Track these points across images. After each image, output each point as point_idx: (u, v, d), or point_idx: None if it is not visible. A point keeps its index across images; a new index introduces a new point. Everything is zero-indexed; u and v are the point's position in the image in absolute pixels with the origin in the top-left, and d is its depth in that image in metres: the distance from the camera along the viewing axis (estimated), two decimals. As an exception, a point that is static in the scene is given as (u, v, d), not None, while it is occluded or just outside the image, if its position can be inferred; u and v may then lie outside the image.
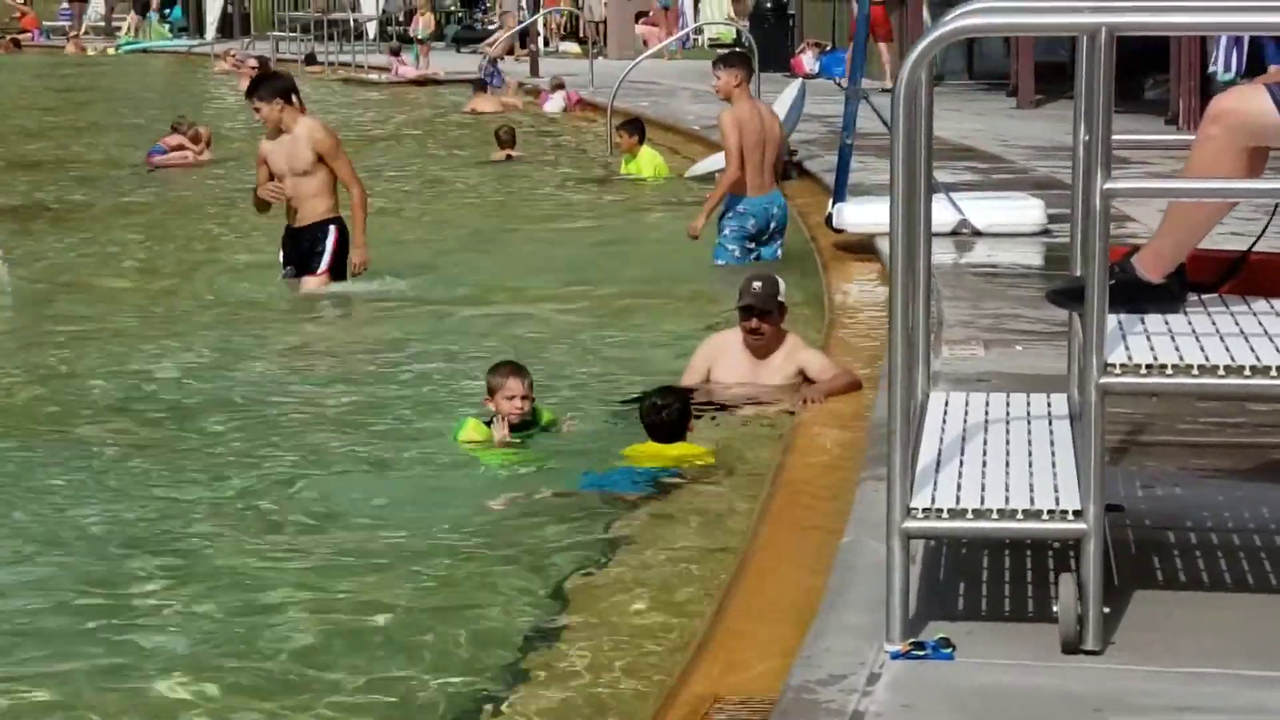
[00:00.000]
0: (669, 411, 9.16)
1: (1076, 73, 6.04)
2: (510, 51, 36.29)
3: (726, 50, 24.12)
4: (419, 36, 41.58)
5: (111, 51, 47.45)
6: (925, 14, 29.44)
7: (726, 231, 14.90)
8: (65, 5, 56.11)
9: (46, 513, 8.62)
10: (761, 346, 10.06)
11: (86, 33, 51.85)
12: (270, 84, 14.19)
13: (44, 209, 19.92)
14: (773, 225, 15.05)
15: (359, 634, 6.90)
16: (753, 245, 14.94)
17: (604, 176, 21.55)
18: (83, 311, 13.68)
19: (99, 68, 43.36)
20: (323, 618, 7.08)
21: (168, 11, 53.45)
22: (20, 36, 52.11)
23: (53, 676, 6.53)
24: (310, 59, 41.12)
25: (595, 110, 28.15)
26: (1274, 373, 5.10)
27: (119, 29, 52.21)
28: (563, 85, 30.58)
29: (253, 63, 37.29)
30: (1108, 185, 5.03)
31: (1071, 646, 5.13)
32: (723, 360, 10.13)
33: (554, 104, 30.39)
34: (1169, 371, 5.13)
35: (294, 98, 13.94)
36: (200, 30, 50.48)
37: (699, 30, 38.83)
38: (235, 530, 8.31)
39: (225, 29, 48.83)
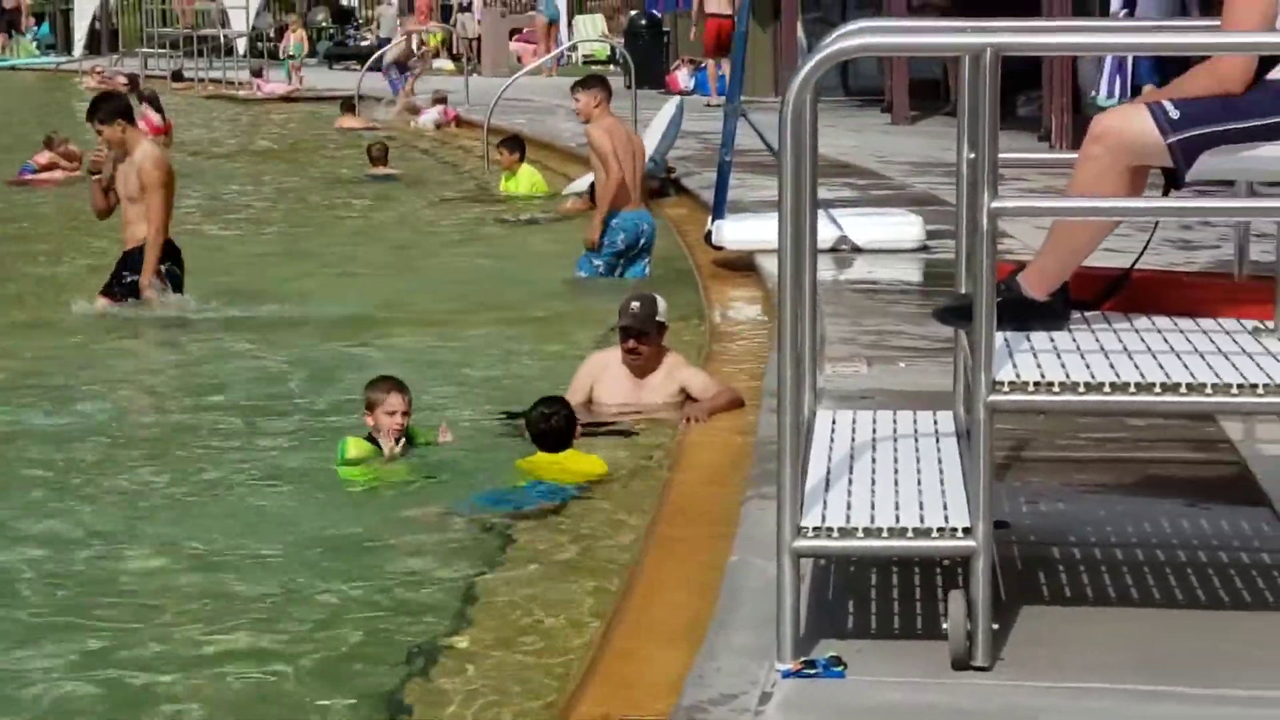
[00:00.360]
0: (556, 419, 9.20)
1: (959, 92, 6.11)
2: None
3: (594, 71, 24.26)
4: (290, 53, 41.43)
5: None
6: (800, 33, 29.58)
7: (615, 246, 15.00)
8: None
9: None
10: (641, 366, 10.09)
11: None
12: (109, 105, 14.19)
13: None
14: (641, 242, 15.18)
15: (237, 668, 6.85)
16: (618, 262, 15.01)
17: (481, 194, 21.49)
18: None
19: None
20: (191, 655, 7.01)
21: (37, 28, 53.00)
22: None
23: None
24: (177, 75, 40.91)
25: (471, 128, 28.08)
26: (1157, 389, 5.18)
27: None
28: (444, 100, 30.53)
29: (121, 79, 37.12)
30: (995, 204, 5.08)
31: (961, 663, 5.17)
32: (604, 379, 10.16)
33: (429, 117, 30.33)
34: (1056, 389, 5.19)
35: (135, 117, 14.23)
36: (69, 47, 50.08)
37: (574, 48, 38.81)
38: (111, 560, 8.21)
39: (93, 45, 48.47)
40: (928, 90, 26.14)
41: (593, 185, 19.44)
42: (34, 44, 51.86)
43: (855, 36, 5.30)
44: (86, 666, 6.85)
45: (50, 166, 23.29)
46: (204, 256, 15.18)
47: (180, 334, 13.56)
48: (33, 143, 24.78)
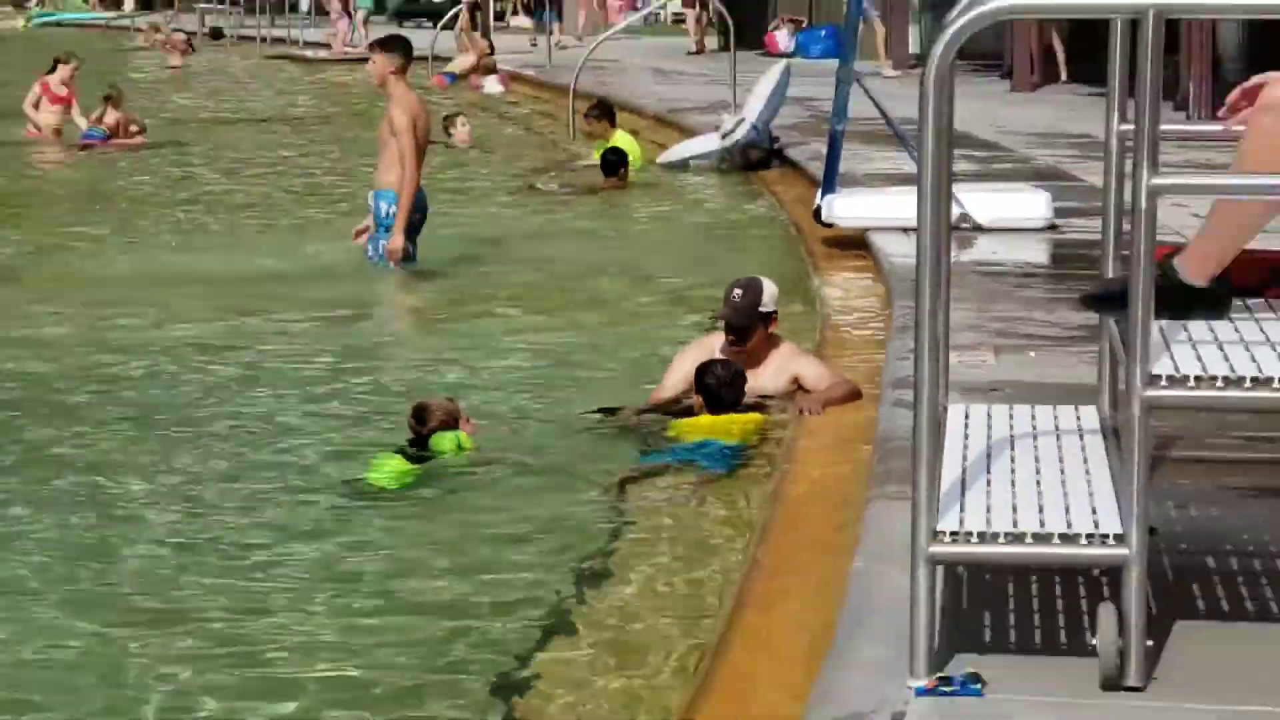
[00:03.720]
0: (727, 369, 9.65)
1: (1110, 59, 6.04)
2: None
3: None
4: (359, 7, 41.53)
5: (21, 25, 47.29)
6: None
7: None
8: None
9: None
10: (747, 357, 9.98)
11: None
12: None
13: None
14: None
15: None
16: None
17: (569, 163, 21.47)
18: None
19: (6, 43, 43.17)
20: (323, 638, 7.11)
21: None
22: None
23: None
24: (216, 33, 41.07)
25: (545, 89, 28.11)
26: (1334, 386, 5.12)
27: (27, 4, 52.10)
28: (494, 69, 30.66)
29: (180, 37, 37.34)
30: (1155, 180, 5.03)
31: (1112, 682, 5.13)
32: (694, 374, 10.02)
33: (491, 86, 30.47)
34: (1220, 384, 5.13)
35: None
36: (118, 2, 50.40)
37: (663, 4, 38.80)
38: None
39: (145, 1, 48.78)
40: (1045, 56, 26.08)
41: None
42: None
43: (1006, -2, 5.23)
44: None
45: (117, 131, 23.39)
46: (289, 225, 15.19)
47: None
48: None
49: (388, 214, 14.74)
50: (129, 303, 13.71)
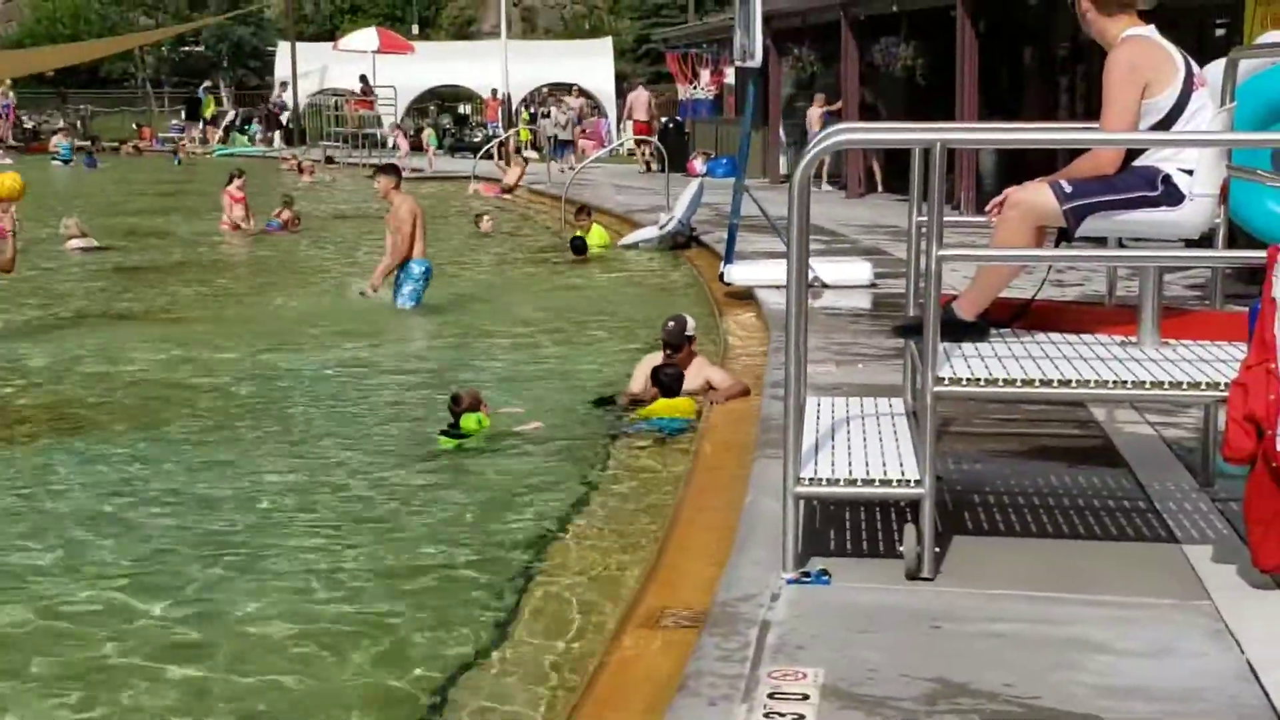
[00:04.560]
0: (675, 375, 9.66)
1: (911, 174, 6.05)
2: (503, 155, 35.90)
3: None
4: (430, 145, 41.37)
5: (210, 156, 46.95)
6: (781, 134, 29.52)
7: (420, 285, 14.71)
8: (175, 122, 55.64)
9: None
10: (679, 365, 9.98)
11: (188, 143, 51.36)
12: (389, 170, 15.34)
13: (182, 263, 19.66)
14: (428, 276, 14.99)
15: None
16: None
17: (560, 244, 21.42)
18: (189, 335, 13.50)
19: (201, 167, 42.93)
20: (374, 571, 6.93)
21: (247, 127, 53.02)
22: (140, 144, 51.69)
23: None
24: (329, 159, 40.79)
25: (551, 199, 28.01)
26: (1054, 384, 5.13)
27: (215, 138, 51.82)
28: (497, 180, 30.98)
29: (309, 163, 37.11)
30: (941, 252, 5.03)
31: (913, 575, 5.14)
32: (650, 374, 10.05)
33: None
34: (982, 383, 5.16)
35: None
36: (269, 140, 50.12)
37: (621, 144, 38.65)
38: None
39: (289, 139, 48.45)
40: (867, 174, 26.08)
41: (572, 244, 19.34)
42: (246, 138, 51.84)
43: (845, 133, 5.24)
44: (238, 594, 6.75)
45: (287, 222, 23.46)
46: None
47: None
48: (267, 203, 24.90)
49: (414, 274, 14.63)
50: (286, 333, 13.61)
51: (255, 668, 5.52)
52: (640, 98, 38.70)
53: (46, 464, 8.72)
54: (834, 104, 26.40)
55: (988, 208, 5.61)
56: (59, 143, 45.88)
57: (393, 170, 15.38)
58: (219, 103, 58.00)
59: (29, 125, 53.81)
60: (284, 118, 48.69)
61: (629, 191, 28.16)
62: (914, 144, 5.72)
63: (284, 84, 47.19)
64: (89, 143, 46.76)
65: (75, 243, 20.50)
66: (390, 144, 42.27)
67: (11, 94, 53.22)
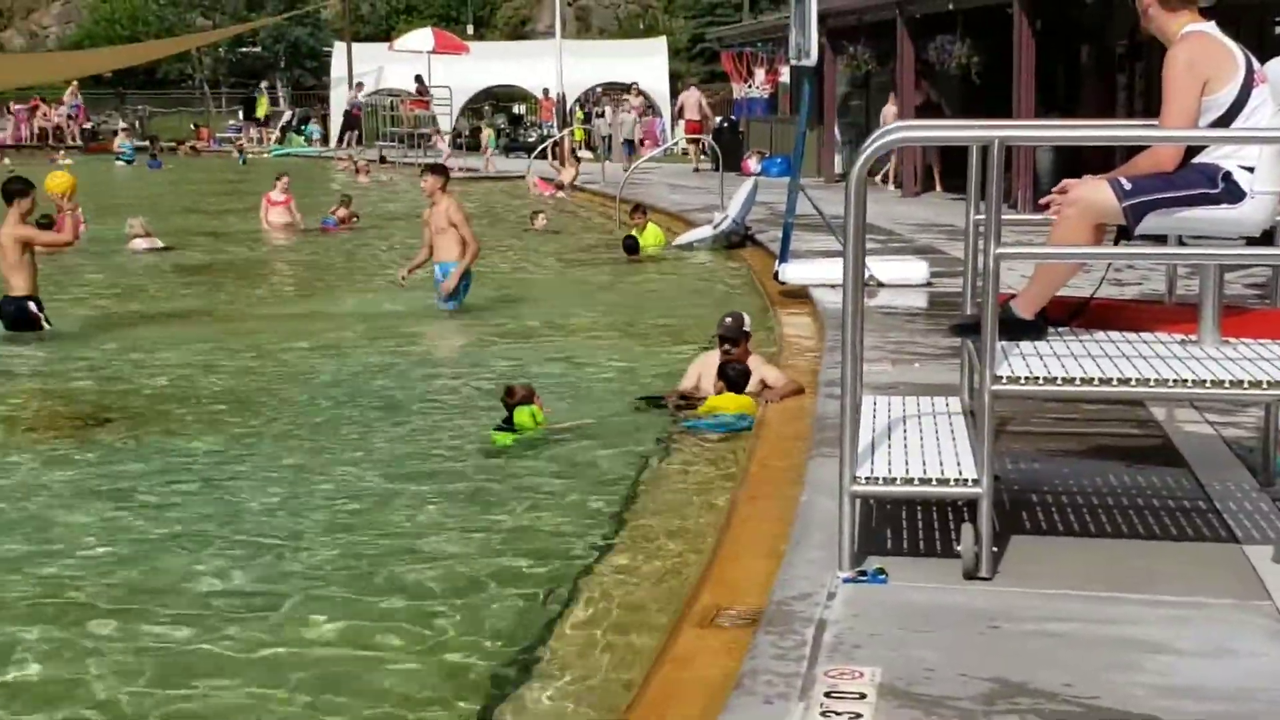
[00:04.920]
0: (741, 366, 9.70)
1: (970, 171, 6.02)
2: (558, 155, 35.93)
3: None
4: (489, 145, 41.47)
5: (266, 156, 47.24)
6: (837, 132, 29.43)
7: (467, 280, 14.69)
8: (233, 122, 56.00)
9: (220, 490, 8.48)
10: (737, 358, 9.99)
11: (246, 142, 51.69)
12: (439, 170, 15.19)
13: (241, 262, 19.79)
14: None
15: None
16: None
17: (613, 244, 21.44)
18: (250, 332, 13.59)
19: (261, 167, 43.26)
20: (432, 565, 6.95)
21: (304, 127, 53.33)
22: (198, 144, 52.10)
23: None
24: (383, 159, 40.92)
25: (600, 196, 28.05)
26: (1113, 382, 5.10)
27: (271, 139, 52.11)
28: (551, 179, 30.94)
29: (363, 162, 37.27)
30: (999, 250, 5.01)
31: (970, 574, 5.12)
32: (707, 372, 10.03)
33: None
34: (1040, 381, 5.13)
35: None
36: (326, 140, 50.35)
37: (676, 142, 38.60)
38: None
39: (342, 140, 48.65)
40: (924, 173, 25.97)
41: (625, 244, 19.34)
42: (303, 139, 52.13)
43: (901, 131, 5.22)
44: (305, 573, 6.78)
45: (344, 220, 23.73)
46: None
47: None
48: (318, 203, 25.01)
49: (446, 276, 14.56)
50: (339, 332, 13.67)
51: (309, 665, 5.55)
52: (691, 97, 38.71)
53: (108, 459, 8.80)
54: (931, 95, 25.83)
55: (1043, 200, 5.58)
56: (122, 143, 46.33)
57: (441, 170, 15.35)
58: (275, 103, 58.38)
59: (88, 125, 54.29)
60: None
61: (683, 191, 28.15)
62: (972, 141, 5.70)
63: (359, 84, 47.14)
64: (147, 143, 47.12)
65: (139, 242, 20.70)
66: (445, 145, 42.41)
67: (80, 95, 53.79)
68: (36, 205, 13.56)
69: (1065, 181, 5.51)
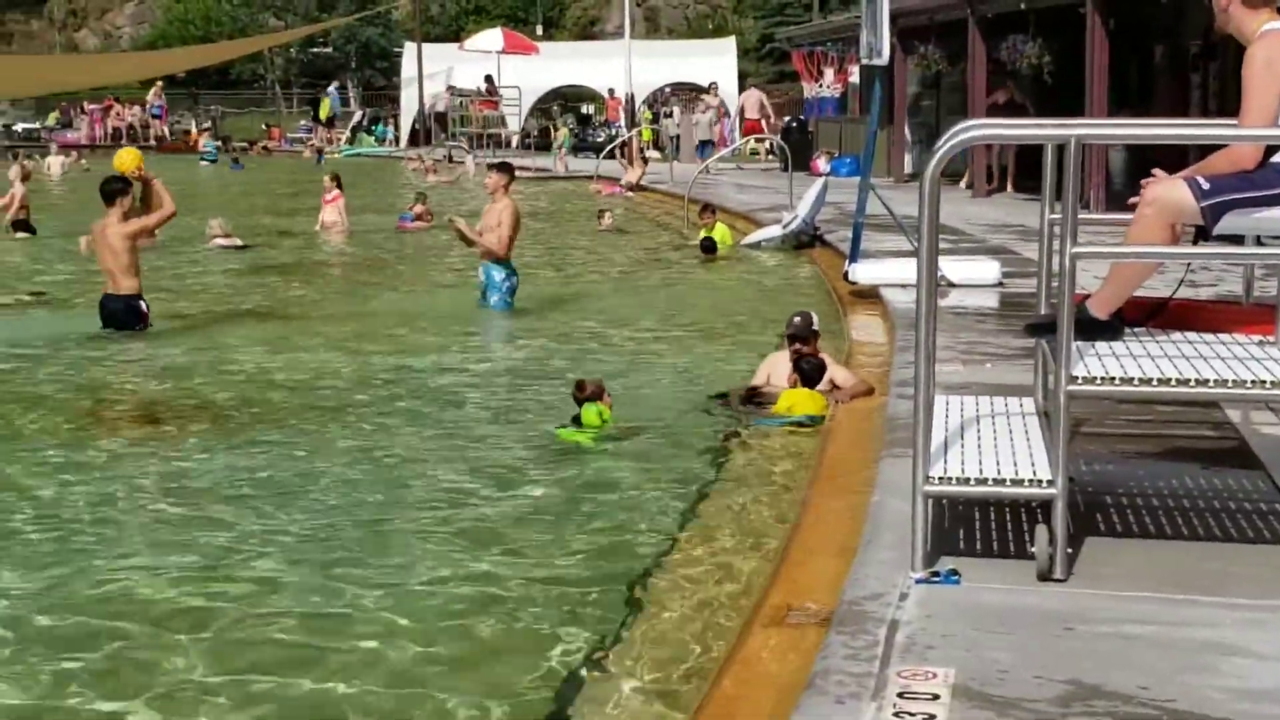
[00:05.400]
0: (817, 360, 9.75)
1: (1044, 170, 5.98)
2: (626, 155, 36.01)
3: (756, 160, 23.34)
4: (564, 146, 41.63)
5: (336, 156, 47.62)
6: (907, 132, 29.32)
7: (505, 291, 14.53)
8: (304, 122, 56.50)
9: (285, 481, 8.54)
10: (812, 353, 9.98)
11: (314, 142, 52.09)
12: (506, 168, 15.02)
13: (317, 261, 19.94)
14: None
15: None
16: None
17: (682, 243, 21.44)
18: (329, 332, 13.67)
19: (336, 168, 43.67)
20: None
21: (374, 127, 53.75)
22: (269, 144, 52.58)
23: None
24: (450, 158, 41.11)
25: (668, 196, 28.05)
26: (1191, 383, 5.05)
27: (339, 139, 52.49)
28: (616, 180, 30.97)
29: (429, 163, 37.46)
30: (1076, 250, 4.97)
31: (1044, 576, 5.08)
32: (776, 371, 10.04)
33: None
34: (1115, 382, 5.09)
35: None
36: (396, 141, 50.67)
37: (745, 142, 38.55)
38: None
39: (414, 140, 48.93)
40: (997, 173, 25.82)
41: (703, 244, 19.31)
42: (374, 139, 52.50)
43: (976, 129, 5.19)
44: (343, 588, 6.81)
45: (420, 217, 24.04)
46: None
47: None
48: (389, 204, 25.22)
49: (496, 280, 14.46)
50: (407, 330, 13.74)
51: (384, 660, 5.57)
52: (751, 97, 38.80)
53: (187, 454, 8.89)
54: (1015, 95, 25.42)
55: (1131, 201, 5.53)
56: (205, 143, 46.88)
57: (507, 168, 15.22)
58: (345, 103, 58.85)
59: (166, 126, 54.94)
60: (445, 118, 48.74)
61: (751, 190, 28.13)
62: (1048, 140, 5.66)
63: (450, 87, 47.08)
64: (220, 143, 47.60)
65: (219, 242, 20.93)
66: (514, 145, 42.57)
67: (164, 95, 54.42)
68: (136, 203, 13.67)
69: (1146, 181, 5.47)
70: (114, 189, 13.50)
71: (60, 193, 33.63)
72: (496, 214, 14.56)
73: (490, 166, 15.72)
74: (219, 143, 48.26)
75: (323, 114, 54.86)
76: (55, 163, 39.22)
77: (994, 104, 24.63)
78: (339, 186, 23.81)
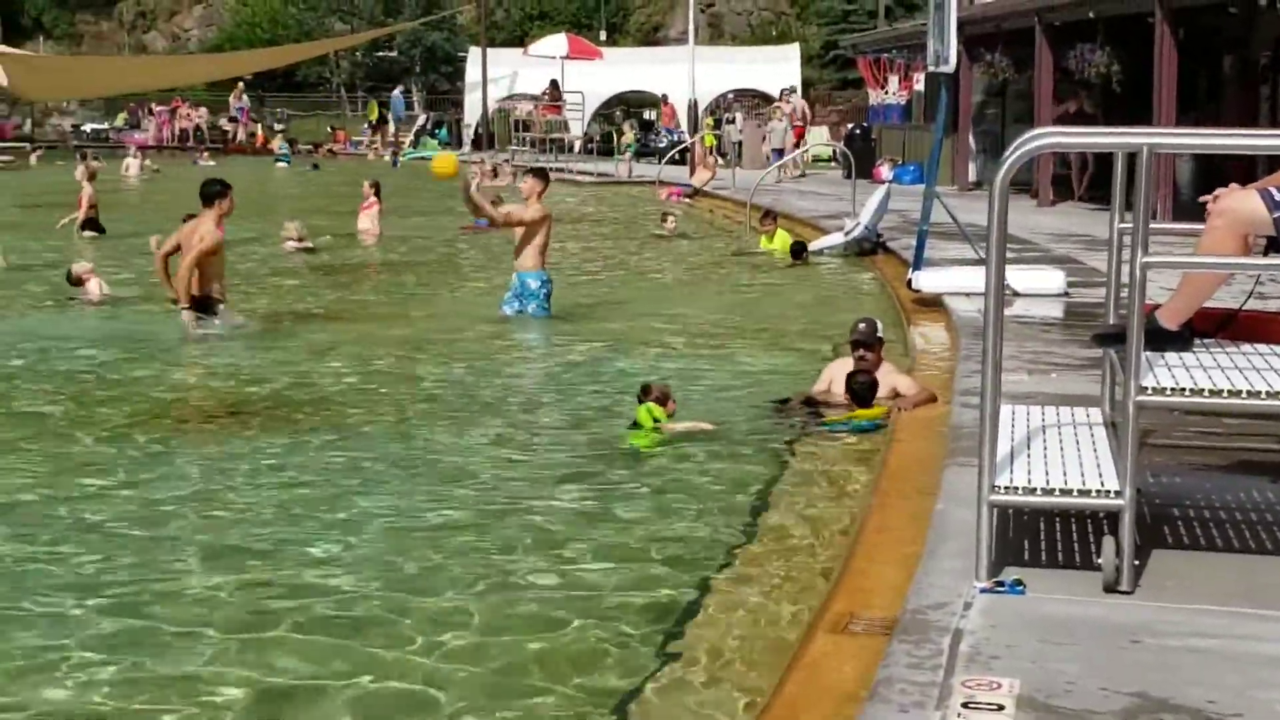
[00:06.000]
0: (867, 379, 9.64)
1: (1115, 178, 5.94)
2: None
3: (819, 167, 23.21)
4: (629, 152, 41.68)
5: (402, 159, 47.91)
6: (971, 141, 29.18)
7: (542, 298, 14.26)
8: (366, 126, 56.86)
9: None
10: (868, 366, 9.93)
11: (377, 144, 52.37)
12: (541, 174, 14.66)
13: (387, 263, 20.05)
14: None
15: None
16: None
17: (743, 249, 21.41)
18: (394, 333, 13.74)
19: (376, 170, 43.99)
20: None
21: (437, 131, 54.03)
22: (334, 147, 52.92)
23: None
24: (507, 163, 41.23)
25: (729, 202, 28.03)
26: (1262, 396, 5.00)
27: (402, 143, 52.77)
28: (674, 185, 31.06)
29: (489, 167, 37.57)
30: (1146, 259, 4.93)
31: (1111, 588, 5.04)
32: (839, 378, 9.97)
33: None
34: (1185, 393, 5.04)
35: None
36: (459, 144, 50.87)
37: (806, 149, 38.46)
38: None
39: (477, 144, 49.13)
40: (1061, 181, 25.68)
41: (793, 249, 19.21)
42: (437, 143, 52.74)
43: (1047, 137, 5.16)
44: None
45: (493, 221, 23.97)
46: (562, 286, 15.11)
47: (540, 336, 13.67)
48: (447, 208, 25.28)
49: (532, 289, 14.19)
50: (469, 333, 13.78)
51: (435, 670, 5.58)
52: (796, 103, 38.83)
53: (245, 455, 8.97)
54: (1085, 105, 25.09)
55: (1203, 199, 5.48)
56: (280, 145, 47.28)
57: (543, 174, 14.81)
58: (409, 107, 59.14)
59: (226, 127, 55.38)
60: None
61: (813, 198, 28.07)
62: (1120, 148, 5.62)
63: (547, 92, 46.84)
64: (287, 146, 47.94)
65: (292, 244, 21.07)
66: (576, 149, 42.63)
67: (246, 97, 54.85)
68: (235, 206, 13.73)
69: (1218, 191, 5.42)
70: (213, 191, 13.49)
71: (136, 192, 34.00)
72: (524, 216, 14.21)
73: (526, 171, 15.45)
74: (286, 145, 48.60)
75: (371, 116, 55.10)
76: (133, 164, 39.61)
77: (1064, 113, 24.42)
78: (377, 195, 23.51)
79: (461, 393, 10.97)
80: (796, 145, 36.18)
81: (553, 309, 14.40)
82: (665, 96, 44.65)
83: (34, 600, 6.27)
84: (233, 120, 54.68)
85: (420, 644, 5.74)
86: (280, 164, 44.51)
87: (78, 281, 15.78)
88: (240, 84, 55.02)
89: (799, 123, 38.80)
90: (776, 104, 40.39)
